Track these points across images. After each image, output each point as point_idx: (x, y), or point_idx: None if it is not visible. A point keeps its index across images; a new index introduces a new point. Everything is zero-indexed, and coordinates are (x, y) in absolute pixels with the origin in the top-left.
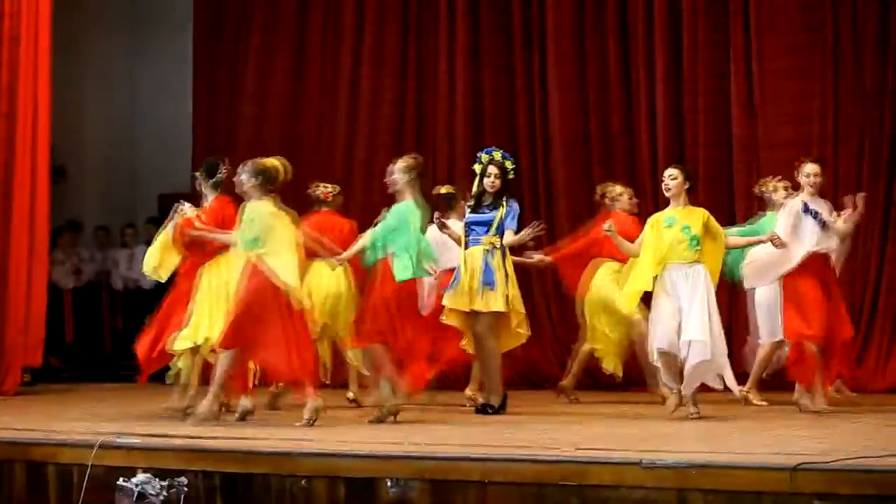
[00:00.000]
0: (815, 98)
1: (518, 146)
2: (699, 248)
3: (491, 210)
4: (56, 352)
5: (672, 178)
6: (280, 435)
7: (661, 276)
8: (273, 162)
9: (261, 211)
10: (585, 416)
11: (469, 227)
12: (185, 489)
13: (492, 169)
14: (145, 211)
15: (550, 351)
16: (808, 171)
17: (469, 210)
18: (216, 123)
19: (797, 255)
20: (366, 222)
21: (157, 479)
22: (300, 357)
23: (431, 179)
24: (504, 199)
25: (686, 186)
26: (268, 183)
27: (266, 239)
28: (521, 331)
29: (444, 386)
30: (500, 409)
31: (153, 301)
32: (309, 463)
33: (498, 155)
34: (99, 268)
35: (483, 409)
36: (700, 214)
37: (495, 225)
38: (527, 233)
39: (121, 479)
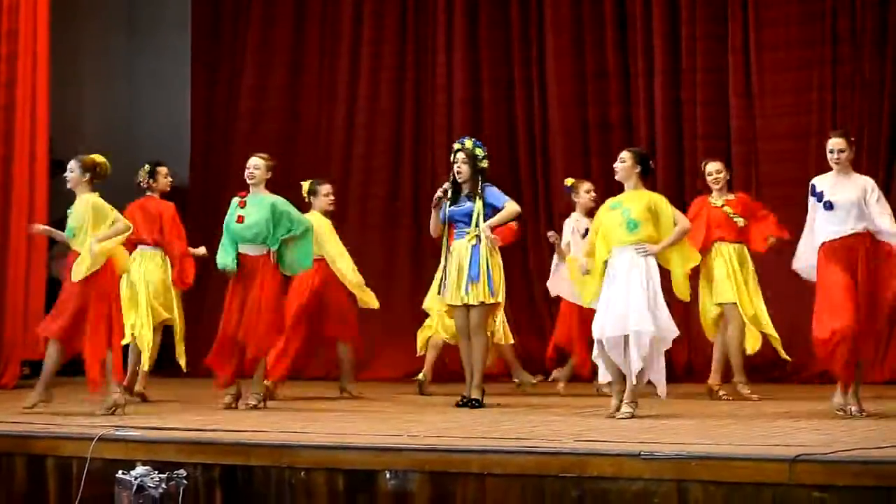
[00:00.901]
0: (814, 90)
1: (516, 137)
2: (636, 231)
3: (469, 202)
4: None
5: (621, 161)
6: (279, 427)
7: (609, 262)
8: (101, 158)
9: (87, 204)
10: (585, 407)
11: (452, 220)
12: (185, 482)
13: (459, 156)
14: None
15: (549, 342)
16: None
17: (449, 203)
18: (214, 119)
19: (811, 244)
20: (364, 214)
21: (156, 472)
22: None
23: (430, 172)
24: (480, 187)
25: (636, 170)
26: (95, 178)
27: (87, 230)
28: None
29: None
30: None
31: None
32: (308, 455)
33: (469, 143)
34: None
35: (468, 404)
36: (645, 197)
37: (475, 218)
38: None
39: (120, 472)
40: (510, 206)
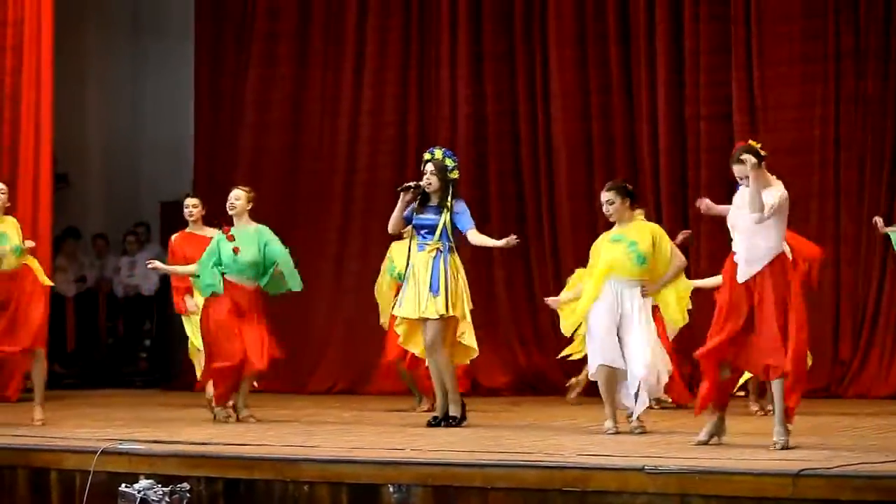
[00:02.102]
0: (817, 104)
1: (520, 151)
2: (645, 264)
3: (435, 213)
4: (57, 358)
5: (609, 204)
6: (283, 441)
7: (608, 289)
8: None
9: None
10: (588, 422)
11: (416, 230)
12: (188, 495)
13: (428, 167)
14: (147, 218)
15: (554, 356)
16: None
17: (415, 212)
18: (218, 131)
19: None
20: (368, 228)
21: (159, 486)
22: None
23: None
24: (448, 199)
25: (626, 204)
26: None
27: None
28: (463, 342)
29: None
30: (462, 420)
31: (153, 307)
32: (311, 468)
33: (439, 153)
34: (98, 275)
35: (439, 422)
36: (647, 230)
37: (439, 230)
38: (502, 243)
39: (123, 486)
40: (475, 236)
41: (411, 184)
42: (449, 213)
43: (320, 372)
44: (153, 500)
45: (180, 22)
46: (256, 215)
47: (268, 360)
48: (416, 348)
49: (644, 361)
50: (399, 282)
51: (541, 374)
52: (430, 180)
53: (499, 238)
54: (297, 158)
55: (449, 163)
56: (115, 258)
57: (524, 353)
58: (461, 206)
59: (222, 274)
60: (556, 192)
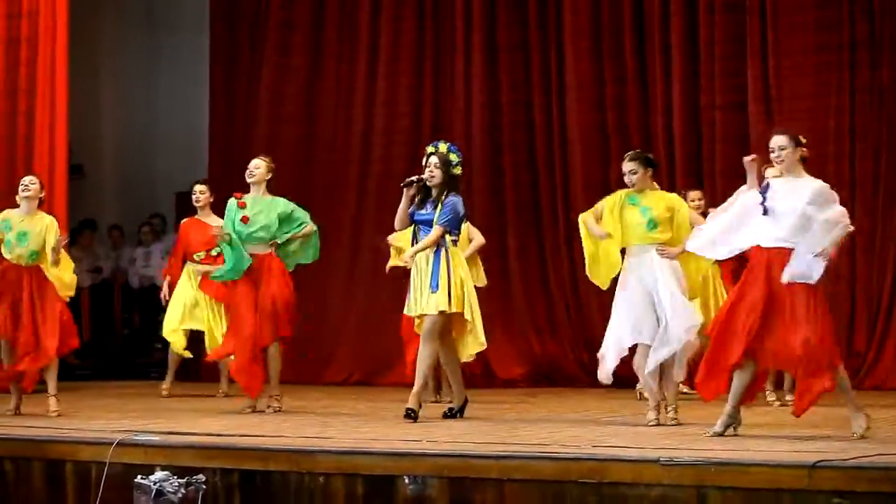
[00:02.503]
0: (832, 95)
1: (535, 143)
2: (655, 230)
3: (434, 208)
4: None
5: (633, 174)
6: (298, 432)
7: (628, 261)
8: None
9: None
10: (604, 413)
11: (417, 225)
12: (204, 486)
13: (432, 160)
14: (162, 209)
15: (569, 347)
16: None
17: (416, 206)
18: (233, 121)
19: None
20: (382, 220)
21: (175, 477)
22: None
23: None
24: (445, 194)
25: (648, 174)
26: None
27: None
28: (472, 338)
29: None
30: (415, 414)
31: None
32: (327, 460)
33: (443, 147)
34: (114, 266)
35: (457, 414)
36: (665, 198)
37: (435, 223)
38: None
39: (139, 477)
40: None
41: (414, 178)
42: (441, 208)
43: (336, 363)
44: (169, 491)
45: (195, 14)
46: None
47: (289, 328)
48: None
49: (686, 324)
50: None
51: (556, 365)
52: (433, 173)
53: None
54: (312, 150)
55: (453, 157)
56: (131, 249)
57: (539, 344)
58: (448, 202)
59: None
60: (570, 182)
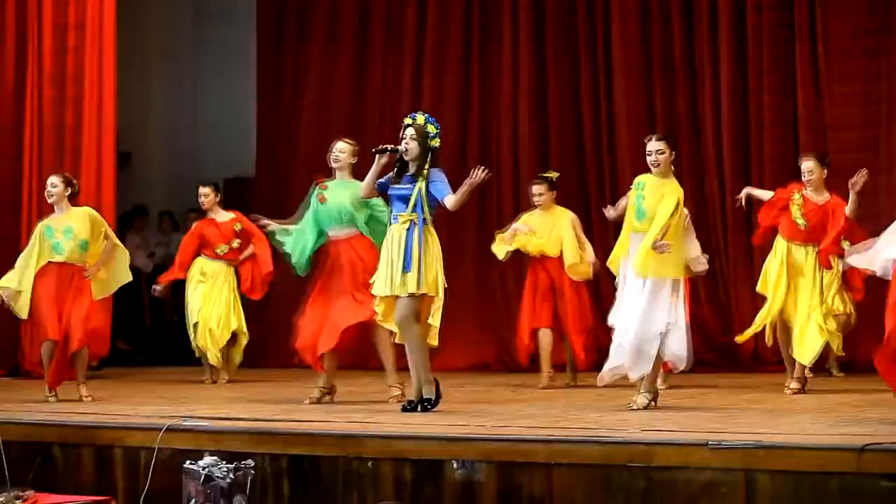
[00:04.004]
0: (882, 78)
1: (582, 129)
2: (643, 220)
3: (411, 182)
4: (124, 335)
5: (659, 153)
6: (346, 417)
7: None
8: None
9: None
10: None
11: (392, 200)
12: (253, 472)
13: (408, 132)
14: None
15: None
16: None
17: (392, 181)
18: (280, 109)
19: None
20: None
21: (224, 462)
22: None
23: (496, 167)
24: (425, 169)
25: (672, 158)
26: None
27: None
28: (432, 322)
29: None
30: (437, 400)
31: None
32: (375, 445)
33: (420, 118)
34: (165, 252)
35: (417, 407)
36: (667, 189)
37: (413, 200)
38: (469, 184)
39: (188, 462)
40: (452, 200)
41: (388, 146)
42: (424, 183)
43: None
44: (218, 476)
45: (243, 2)
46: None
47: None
48: (395, 326)
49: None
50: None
51: (604, 351)
52: (408, 145)
53: None
54: (359, 136)
55: (431, 129)
56: (181, 236)
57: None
58: (438, 175)
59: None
60: (618, 169)
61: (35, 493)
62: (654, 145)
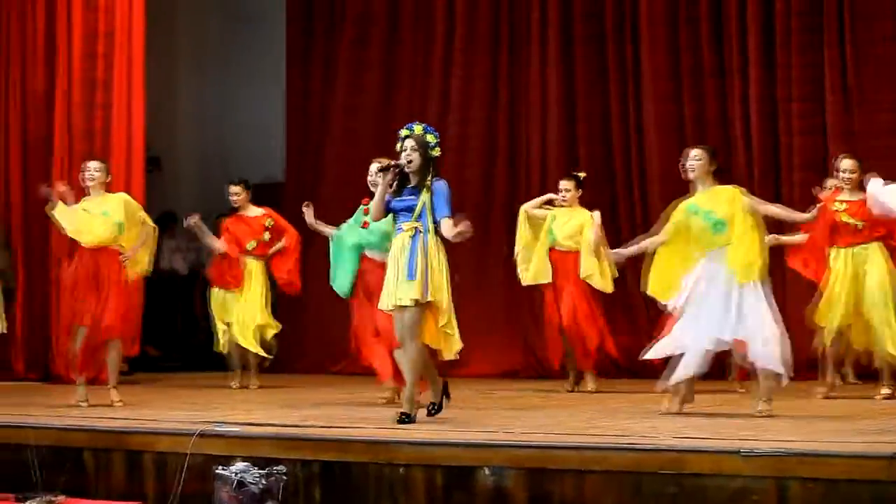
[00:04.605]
0: None
1: (611, 134)
2: (724, 231)
3: (413, 193)
4: (153, 341)
5: (695, 159)
6: (377, 423)
7: (702, 265)
8: None
9: None
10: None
11: (396, 213)
12: (284, 477)
13: (407, 143)
14: None
15: (645, 338)
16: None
17: (392, 194)
18: (309, 113)
19: None
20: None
21: (255, 468)
22: None
23: (524, 173)
24: (430, 179)
25: (712, 168)
26: None
27: None
28: (448, 332)
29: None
30: (443, 400)
31: None
32: (406, 451)
33: (418, 129)
34: (194, 258)
35: (410, 418)
36: (723, 194)
37: (418, 210)
38: (462, 230)
39: (219, 468)
40: (449, 228)
41: (391, 162)
42: (429, 194)
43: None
44: (249, 482)
45: (272, 6)
46: (346, 200)
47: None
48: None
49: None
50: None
51: (634, 357)
52: (410, 157)
53: None
54: (388, 142)
55: (430, 139)
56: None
57: (614, 334)
58: (442, 188)
59: (362, 254)
60: (647, 174)
61: (66, 497)
62: (692, 153)
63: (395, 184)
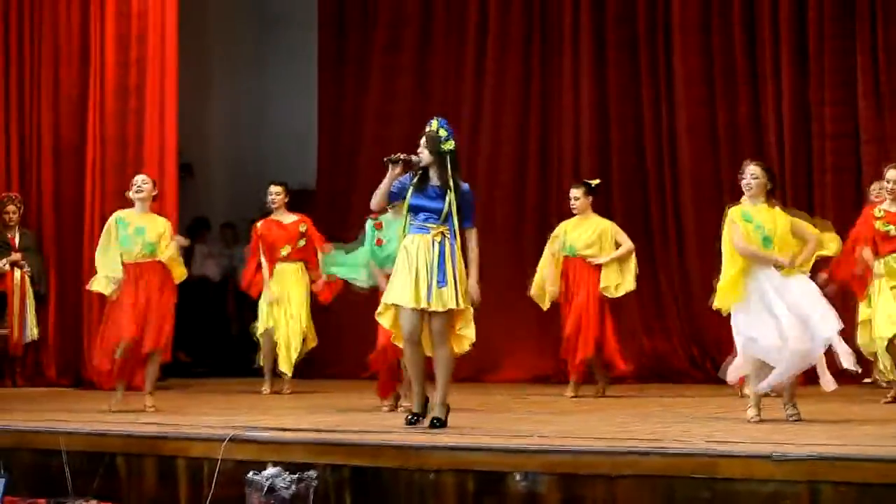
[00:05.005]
0: None
1: (644, 139)
2: (770, 246)
3: (437, 194)
4: (191, 346)
5: (754, 178)
6: (408, 428)
7: (755, 277)
8: None
9: None
10: (716, 408)
11: (413, 210)
12: (315, 483)
13: (422, 140)
14: None
15: (678, 342)
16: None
17: (413, 189)
18: (341, 120)
19: None
20: (489, 222)
21: (286, 473)
22: None
23: (556, 177)
24: (451, 177)
25: (768, 188)
26: None
27: None
28: (464, 333)
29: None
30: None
31: None
32: (437, 456)
33: (434, 124)
34: (227, 264)
35: (417, 419)
36: (781, 218)
37: (444, 214)
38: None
39: (251, 473)
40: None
41: (401, 155)
42: (455, 195)
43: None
44: (281, 487)
45: (304, 11)
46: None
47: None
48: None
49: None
50: (570, 255)
51: (666, 361)
52: (422, 153)
53: None
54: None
55: (442, 133)
56: (242, 248)
57: (648, 340)
58: (466, 196)
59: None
60: (679, 179)
61: (98, 502)
62: (750, 169)
63: (415, 178)
